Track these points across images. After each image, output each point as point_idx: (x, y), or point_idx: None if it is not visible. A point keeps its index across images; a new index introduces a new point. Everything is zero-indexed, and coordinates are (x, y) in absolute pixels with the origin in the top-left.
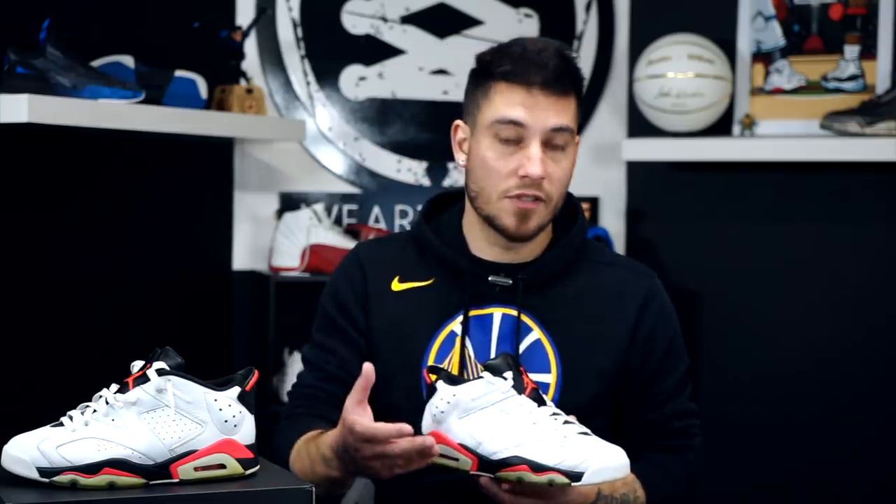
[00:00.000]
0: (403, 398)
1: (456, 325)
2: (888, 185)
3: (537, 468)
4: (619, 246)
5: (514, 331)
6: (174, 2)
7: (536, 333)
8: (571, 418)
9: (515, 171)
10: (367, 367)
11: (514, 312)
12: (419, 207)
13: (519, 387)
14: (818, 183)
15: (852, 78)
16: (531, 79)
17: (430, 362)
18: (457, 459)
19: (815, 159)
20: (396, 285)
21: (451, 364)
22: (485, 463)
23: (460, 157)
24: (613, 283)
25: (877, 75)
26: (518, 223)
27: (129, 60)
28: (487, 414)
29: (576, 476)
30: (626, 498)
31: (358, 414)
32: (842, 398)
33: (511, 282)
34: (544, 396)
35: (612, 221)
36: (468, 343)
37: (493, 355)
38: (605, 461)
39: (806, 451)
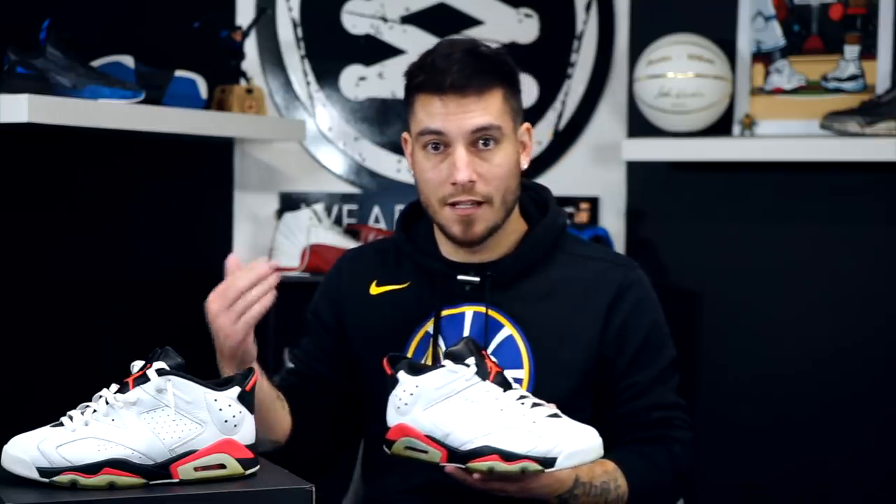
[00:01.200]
0: (385, 399)
1: (430, 326)
2: (888, 185)
3: (508, 457)
4: (619, 246)
5: (484, 328)
6: (174, 2)
7: (508, 330)
8: (538, 401)
9: (447, 179)
10: (229, 261)
11: (484, 310)
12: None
13: (483, 372)
14: (818, 183)
15: (852, 78)
16: (441, 85)
17: None
18: (425, 452)
19: (815, 159)
20: (374, 289)
21: (426, 363)
22: (454, 454)
23: (412, 170)
24: (589, 276)
25: (877, 75)
26: (463, 229)
27: (129, 60)
28: (452, 403)
29: (548, 462)
30: (605, 486)
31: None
32: (842, 398)
33: (479, 280)
34: (509, 379)
35: (612, 221)
36: (441, 342)
37: None
38: (577, 444)
39: (806, 451)
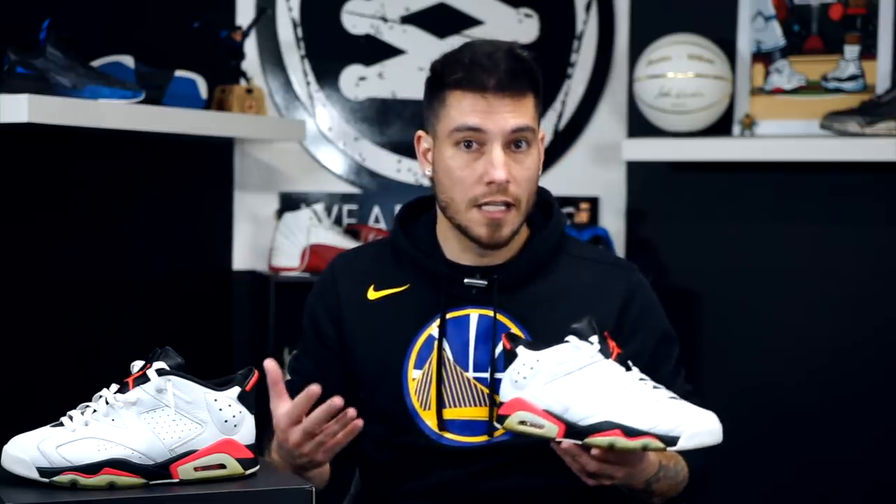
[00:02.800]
0: (388, 405)
1: (434, 329)
2: (888, 185)
3: (631, 433)
4: (619, 246)
5: (491, 331)
6: (174, 2)
7: (514, 333)
8: (657, 384)
9: (481, 178)
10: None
11: (490, 313)
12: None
13: (605, 351)
14: (818, 183)
15: (852, 78)
16: (484, 83)
17: (411, 366)
18: (541, 427)
19: (815, 159)
20: (372, 294)
21: (431, 367)
22: (573, 429)
23: (426, 168)
24: (593, 279)
25: (877, 75)
26: (490, 233)
27: (129, 60)
28: (574, 379)
29: (671, 440)
30: (676, 470)
31: (277, 406)
32: (842, 398)
33: (486, 283)
34: (629, 363)
35: (612, 221)
36: (446, 346)
37: (471, 357)
38: (699, 425)
39: (806, 451)
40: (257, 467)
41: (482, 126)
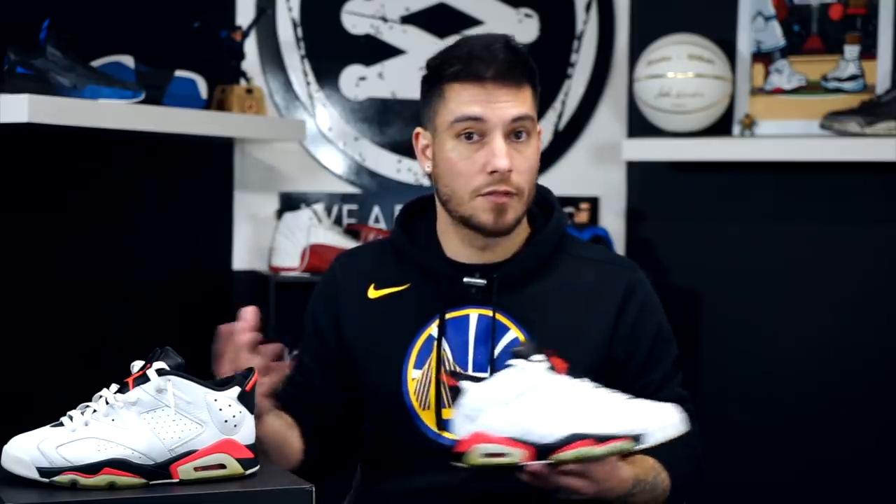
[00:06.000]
0: (388, 404)
1: (434, 329)
2: (888, 185)
3: (600, 439)
4: (619, 246)
5: (490, 331)
6: (174, 2)
7: (514, 332)
8: (609, 389)
9: (483, 168)
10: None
11: (489, 312)
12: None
13: (552, 368)
14: (818, 183)
15: (852, 78)
16: (483, 74)
17: (411, 366)
18: (505, 455)
19: (815, 159)
20: (373, 293)
21: (430, 366)
22: (539, 449)
23: (426, 165)
24: (593, 278)
25: (877, 75)
26: (495, 218)
27: (129, 60)
28: (529, 399)
29: (639, 438)
30: (655, 481)
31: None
32: (842, 398)
33: (485, 282)
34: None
35: (612, 221)
36: (445, 345)
37: (470, 356)
38: (661, 419)
39: (806, 451)
40: (257, 467)
41: (483, 115)
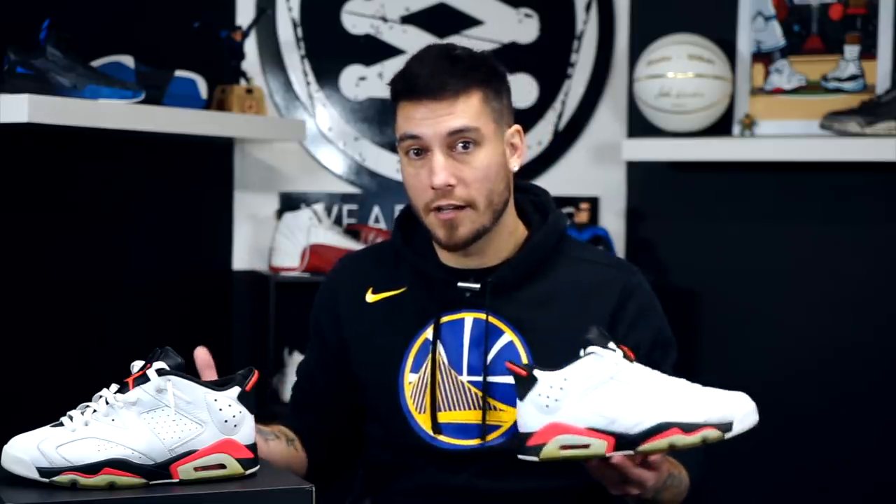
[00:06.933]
0: (385, 407)
1: (430, 333)
2: (888, 185)
3: (688, 428)
4: (619, 246)
5: (485, 334)
6: (174, 2)
7: (508, 336)
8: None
9: (428, 184)
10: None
11: (483, 316)
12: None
13: (626, 355)
14: (818, 183)
15: (852, 78)
16: (416, 90)
17: (407, 370)
18: (587, 446)
19: (815, 159)
20: (371, 296)
21: (426, 370)
22: (623, 440)
23: None
24: (590, 281)
25: (877, 75)
26: (447, 234)
27: (129, 60)
28: (609, 389)
29: (727, 427)
30: (680, 476)
31: None
32: (842, 398)
33: (479, 286)
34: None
35: (612, 221)
36: (441, 349)
37: (465, 360)
38: (743, 407)
39: (806, 451)
40: (257, 467)
41: (418, 132)
